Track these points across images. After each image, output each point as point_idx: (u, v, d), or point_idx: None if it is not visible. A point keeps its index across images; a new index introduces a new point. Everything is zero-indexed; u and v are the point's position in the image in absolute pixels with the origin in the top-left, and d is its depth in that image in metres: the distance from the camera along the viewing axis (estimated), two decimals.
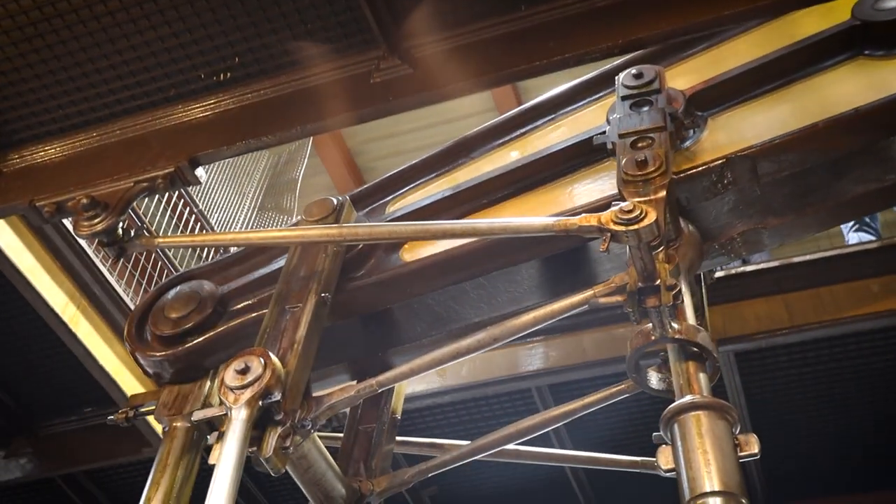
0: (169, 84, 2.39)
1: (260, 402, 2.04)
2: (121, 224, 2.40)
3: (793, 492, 5.72)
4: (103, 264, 4.65)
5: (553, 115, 2.73)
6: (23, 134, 2.49)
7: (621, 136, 2.28)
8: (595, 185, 2.42)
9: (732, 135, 2.33)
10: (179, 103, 2.42)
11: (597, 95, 2.70)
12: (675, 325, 1.94)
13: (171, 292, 2.61)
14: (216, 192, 6.78)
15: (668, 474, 1.80)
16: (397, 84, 2.33)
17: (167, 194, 5.68)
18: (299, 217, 2.65)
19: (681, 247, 2.14)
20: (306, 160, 8.25)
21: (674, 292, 1.94)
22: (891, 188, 2.35)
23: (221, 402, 2.08)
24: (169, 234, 5.87)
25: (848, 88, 2.32)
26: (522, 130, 2.75)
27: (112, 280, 4.68)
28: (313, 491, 2.37)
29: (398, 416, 2.81)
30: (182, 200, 6.13)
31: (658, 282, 1.96)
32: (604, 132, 2.36)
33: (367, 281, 2.49)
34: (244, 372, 2.06)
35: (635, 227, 1.93)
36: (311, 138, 8.05)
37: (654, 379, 2.24)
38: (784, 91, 2.41)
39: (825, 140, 2.24)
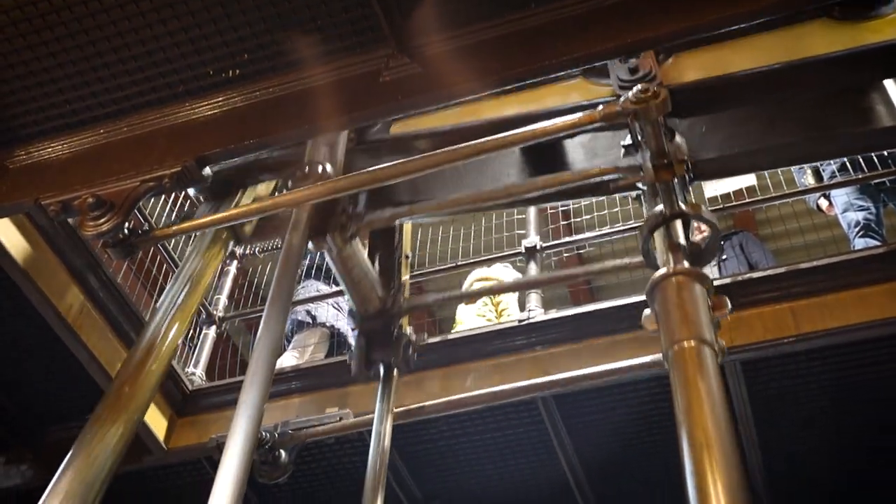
0: (177, 80, 2.38)
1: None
2: (126, 224, 2.38)
3: (798, 502, 5.67)
4: (109, 265, 4.61)
5: None
6: (30, 129, 2.48)
7: None
8: (562, 97, 2.73)
9: (689, 68, 2.59)
10: (187, 100, 2.41)
11: None
12: (682, 203, 2.23)
13: None
14: None
15: (652, 335, 2.05)
16: (407, 83, 2.32)
17: (173, 195, 5.67)
18: None
19: (675, 142, 2.44)
20: None
21: (685, 165, 2.27)
22: (802, 142, 2.65)
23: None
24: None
25: (808, 43, 2.55)
26: None
27: (117, 282, 4.65)
28: (355, 290, 2.92)
29: (409, 253, 3.34)
30: (189, 202, 6.09)
31: (666, 160, 2.26)
32: None
33: (370, 139, 2.90)
34: (304, 178, 2.50)
35: (654, 102, 2.14)
36: None
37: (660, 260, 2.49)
38: (751, 38, 2.61)
39: (750, 89, 2.56)
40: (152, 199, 4.67)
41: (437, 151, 2.42)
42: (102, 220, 2.35)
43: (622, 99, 2.18)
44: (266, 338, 2.42)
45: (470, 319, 6.54)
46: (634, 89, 2.17)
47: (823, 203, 6.91)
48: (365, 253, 3.00)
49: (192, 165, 2.37)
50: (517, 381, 5.09)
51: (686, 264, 2.10)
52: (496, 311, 6.82)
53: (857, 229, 6.38)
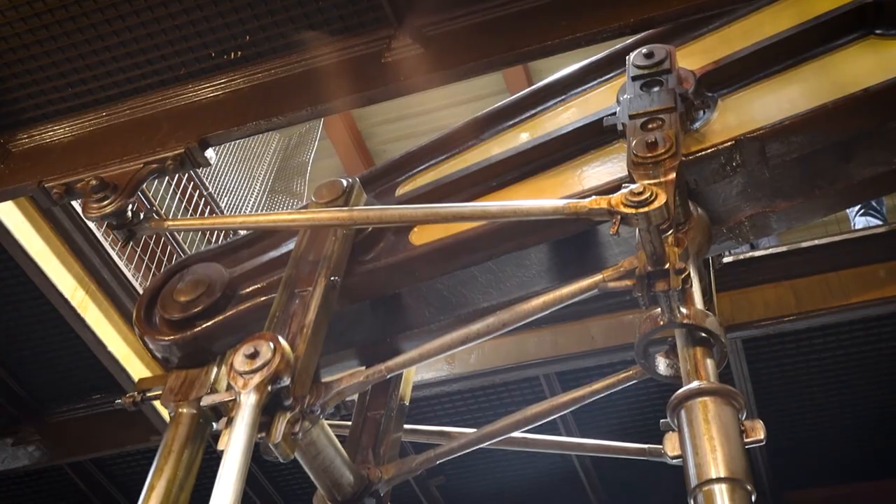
0: (179, 62, 2.38)
1: (269, 388, 2.02)
2: (130, 206, 2.39)
3: (799, 480, 5.71)
4: (112, 248, 4.63)
5: (563, 96, 2.68)
6: (32, 113, 2.49)
7: (631, 117, 2.25)
8: (604, 168, 2.39)
9: (742, 116, 2.29)
10: (190, 82, 2.42)
11: (608, 76, 2.65)
12: (684, 310, 1.92)
13: (180, 276, 2.61)
14: (226, 176, 6.76)
15: (674, 461, 1.79)
16: (408, 64, 2.32)
17: (176, 177, 5.67)
18: (310, 199, 2.62)
19: (690, 230, 2.09)
20: (316, 143, 8.23)
21: (682, 276, 1.92)
22: (887, 175, 2.31)
23: (230, 387, 2.05)
24: (178, 217, 5.86)
25: (859, 68, 2.27)
26: (533, 112, 2.70)
27: (121, 264, 4.66)
28: (322, 478, 2.35)
29: (406, 402, 2.79)
30: (192, 183, 6.10)
31: (667, 265, 1.94)
32: (614, 113, 2.33)
33: (377, 265, 2.47)
34: (253, 356, 2.05)
35: (645, 209, 1.91)
36: (322, 121, 8.05)
37: (662, 365, 2.22)
38: (795, 71, 2.36)
39: (834, 121, 2.20)
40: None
41: (442, 206, 2.30)
42: (106, 203, 2.35)
43: (616, 194, 1.95)
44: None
45: None
46: (627, 189, 1.95)
47: None
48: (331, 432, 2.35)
49: (194, 147, 2.38)
50: (522, 360, 5.16)
51: (712, 378, 1.84)
52: None
53: (857, 208, 6.37)
